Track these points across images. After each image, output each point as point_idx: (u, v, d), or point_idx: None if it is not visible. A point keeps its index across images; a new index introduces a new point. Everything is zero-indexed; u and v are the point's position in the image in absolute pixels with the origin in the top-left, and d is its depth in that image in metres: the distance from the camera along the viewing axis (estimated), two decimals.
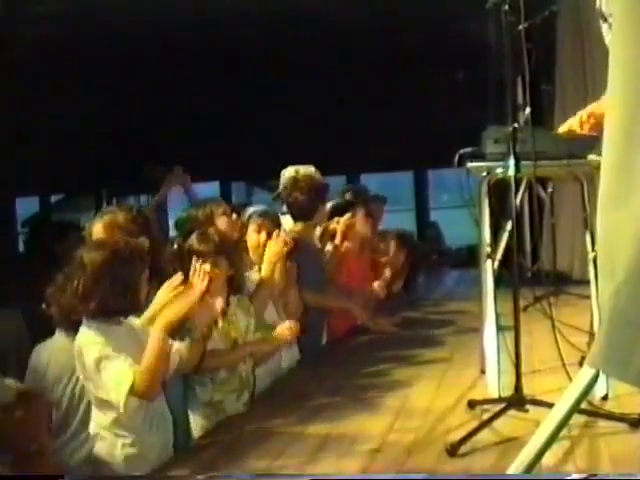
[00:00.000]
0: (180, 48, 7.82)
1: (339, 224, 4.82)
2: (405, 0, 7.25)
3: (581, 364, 2.32)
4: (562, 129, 3.06)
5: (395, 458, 2.62)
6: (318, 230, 4.73)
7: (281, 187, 4.56)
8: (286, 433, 2.98)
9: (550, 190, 6.08)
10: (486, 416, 2.83)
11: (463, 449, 2.57)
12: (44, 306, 2.84)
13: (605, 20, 2.72)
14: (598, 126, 2.85)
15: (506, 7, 2.85)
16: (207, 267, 3.16)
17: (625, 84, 1.78)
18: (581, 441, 2.61)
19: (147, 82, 8.73)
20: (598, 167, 1.89)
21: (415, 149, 9.70)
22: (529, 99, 3.69)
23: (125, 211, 3.47)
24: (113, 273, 2.71)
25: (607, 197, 1.80)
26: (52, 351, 3.06)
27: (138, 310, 2.84)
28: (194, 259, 3.00)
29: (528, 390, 2.84)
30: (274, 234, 3.81)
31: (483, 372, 3.34)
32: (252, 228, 4.05)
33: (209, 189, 11.45)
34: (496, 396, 3.00)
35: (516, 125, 2.85)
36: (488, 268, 3.16)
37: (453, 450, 2.56)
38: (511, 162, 2.82)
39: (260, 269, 3.80)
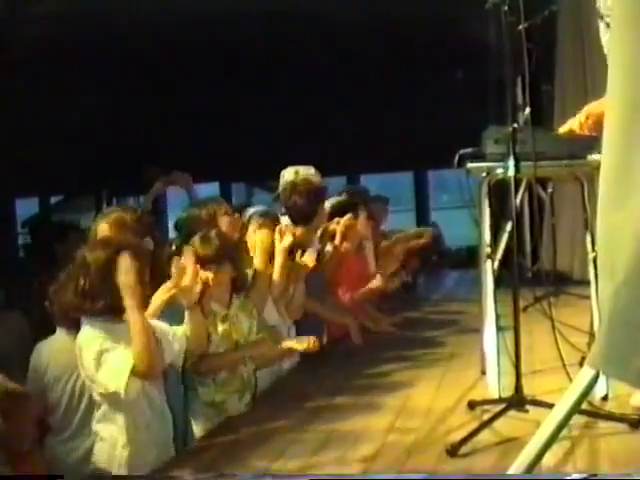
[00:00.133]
0: (180, 48, 7.81)
1: (339, 225, 4.82)
2: (405, 0, 7.25)
3: (581, 364, 2.32)
4: (562, 130, 3.06)
5: (396, 458, 2.62)
6: (318, 232, 4.73)
7: (280, 189, 4.56)
8: (286, 434, 2.98)
9: (550, 190, 6.07)
10: (486, 417, 2.83)
11: (463, 449, 2.57)
12: (47, 304, 2.85)
13: (602, 18, 2.73)
14: (597, 125, 2.85)
15: (506, 7, 2.85)
16: (210, 275, 3.19)
17: (624, 85, 1.78)
18: (581, 441, 2.61)
19: (147, 82, 8.74)
20: (598, 167, 1.89)
21: (415, 149, 9.70)
22: (529, 99, 3.69)
23: (130, 211, 3.48)
24: (116, 272, 2.72)
25: (607, 197, 1.80)
26: (52, 350, 3.07)
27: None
28: (175, 259, 3.00)
29: (528, 391, 2.84)
30: (276, 230, 3.82)
31: (483, 373, 3.34)
32: (252, 228, 4.04)
33: (209, 190, 11.46)
34: (496, 397, 3.00)
35: (516, 125, 2.85)
36: (488, 268, 3.16)
37: (453, 450, 2.56)
38: (511, 162, 2.82)
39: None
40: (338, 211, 4.98)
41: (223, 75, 8.68)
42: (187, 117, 9.65)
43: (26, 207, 12.93)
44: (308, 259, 4.05)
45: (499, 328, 3.11)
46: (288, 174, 4.55)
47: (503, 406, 2.79)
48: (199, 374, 3.19)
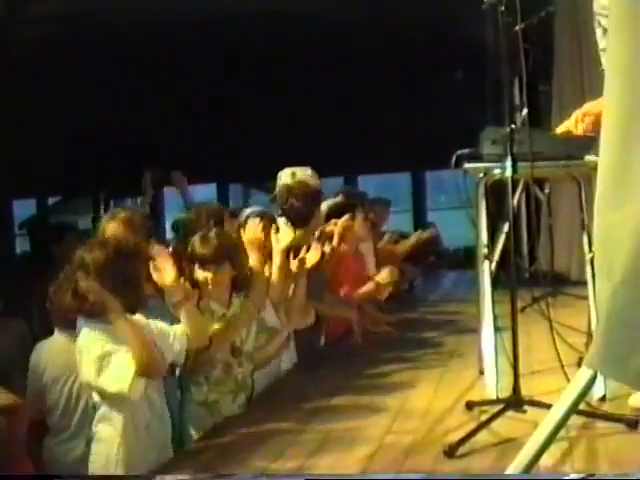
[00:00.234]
0: (180, 48, 7.81)
1: (336, 226, 4.82)
2: (405, 0, 7.25)
3: (579, 365, 2.32)
4: (559, 130, 3.06)
5: (393, 459, 2.62)
6: (316, 233, 4.72)
7: (277, 191, 4.56)
8: (285, 434, 2.98)
9: (547, 191, 6.07)
10: (484, 417, 2.83)
11: (461, 450, 2.57)
12: (48, 304, 2.85)
13: (598, 24, 2.73)
14: (593, 125, 2.85)
15: (502, 8, 2.85)
16: (210, 275, 3.19)
17: (622, 85, 1.78)
18: (579, 442, 2.61)
19: (147, 82, 8.73)
20: (595, 168, 1.89)
21: (413, 150, 9.70)
22: (526, 100, 3.69)
23: (137, 212, 3.49)
24: (116, 271, 2.72)
25: (604, 198, 1.80)
26: (50, 351, 3.07)
27: (140, 308, 2.84)
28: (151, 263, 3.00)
29: (526, 391, 2.83)
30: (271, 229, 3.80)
31: (481, 373, 3.34)
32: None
33: (207, 191, 11.47)
34: (494, 397, 2.99)
35: (513, 126, 2.85)
36: (485, 269, 3.16)
37: (451, 451, 2.56)
38: (508, 163, 2.82)
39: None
40: (335, 212, 4.98)
41: (223, 75, 8.69)
42: (187, 117, 9.64)
43: (24, 208, 12.92)
44: (313, 254, 4.02)
45: (497, 329, 3.10)
46: (285, 176, 4.56)
47: (501, 407, 2.79)
48: (193, 370, 3.17)
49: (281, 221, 4.31)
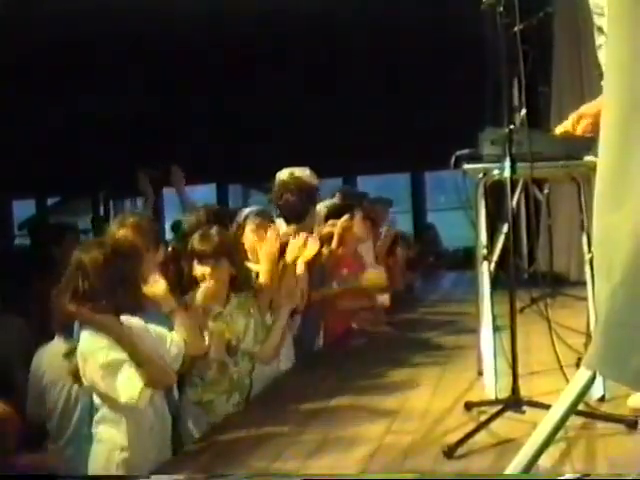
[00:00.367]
0: (180, 48, 7.82)
1: (335, 227, 4.81)
2: (405, 0, 7.26)
3: (578, 366, 2.32)
4: (558, 131, 3.06)
5: (392, 460, 2.62)
6: (314, 234, 4.71)
7: (274, 189, 4.56)
8: (283, 436, 2.98)
9: (546, 191, 6.08)
10: (483, 418, 2.82)
11: (460, 451, 2.56)
12: (52, 307, 2.85)
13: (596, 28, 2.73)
14: (591, 127, 2.86)
15: (501, 8, 2.85)
16: (208, 269, 3.19)
17: (621, 84, 1.78)
18: (578, 442, 2.61)
19: (146, 83, 8.74)
20: (594, 168, 1.89)
21: (412, 151, 9.70)
22: (525, 100, 3.68)
23: (145, 217, 3.50)
24: (115, 272, 2.71)
25: (603, 198, 1.80)
26: (49, 355, 3.07)
27: (139, 309, 2.84)
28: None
29: (525, 392, 2.83)
30: (269, 232, 3.78)
31: (480, 374, 3.34)
32: (249, 228, 4.00)
33: (206, 191, 11.47)
34: (493, 398, 2.99)
35: (512, 127, 2.85)
36: (485, 270, 3.16)
37: (450, 452, 2.55)
38: (507, 163, 2.82)
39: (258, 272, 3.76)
40: (334, 213, 4.98)
41: (223, 75, 8.69)
42: (186, 117, 9.64)
43: (23, 209, 12.93)
44: (311, 247, 3.97)
45: (496, 329, 3.11)
46: (283, 175, 4.55)
47: (500, 407, 2.79)
48: (188, 370, 3.16)
49: (279, 222, 4.31)
